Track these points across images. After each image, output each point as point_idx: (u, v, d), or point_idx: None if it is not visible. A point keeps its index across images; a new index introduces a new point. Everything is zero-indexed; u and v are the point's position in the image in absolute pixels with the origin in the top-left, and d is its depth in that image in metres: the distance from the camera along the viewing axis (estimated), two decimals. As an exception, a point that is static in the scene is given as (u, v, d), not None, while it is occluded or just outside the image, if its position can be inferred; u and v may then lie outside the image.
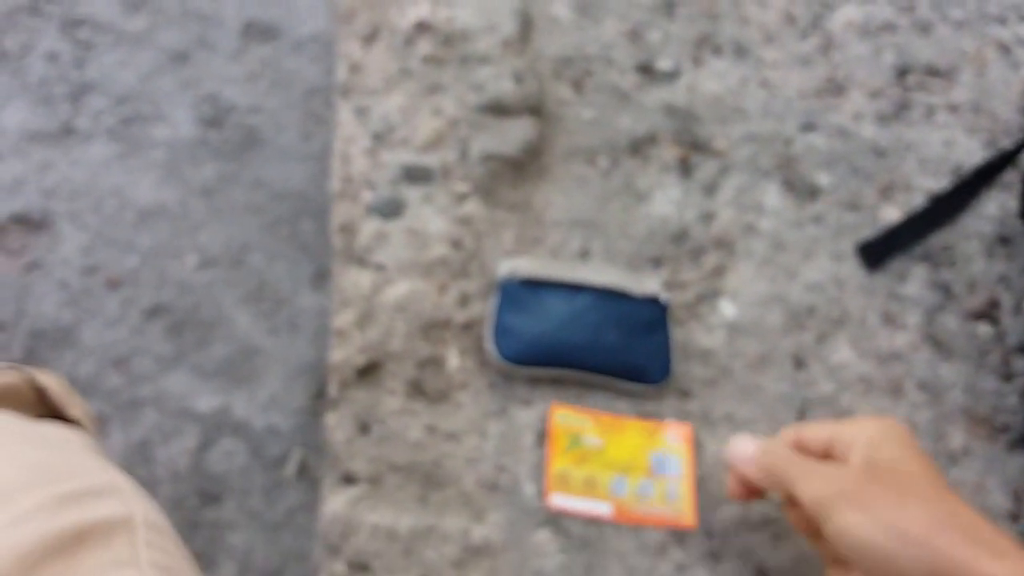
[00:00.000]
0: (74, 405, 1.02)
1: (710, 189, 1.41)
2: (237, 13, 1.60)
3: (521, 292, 1.27)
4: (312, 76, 1.52)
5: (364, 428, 1.22)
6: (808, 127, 1.47)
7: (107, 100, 1.46)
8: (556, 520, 1.20)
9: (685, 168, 1.42)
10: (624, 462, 1.24)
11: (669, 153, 1.42)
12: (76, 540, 0.68)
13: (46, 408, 1.02)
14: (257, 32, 1.57)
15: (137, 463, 1.25)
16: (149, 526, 0.75)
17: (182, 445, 1.26)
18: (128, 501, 0.76)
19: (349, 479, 1.19)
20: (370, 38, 1.45)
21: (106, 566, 0.68)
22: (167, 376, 1.30)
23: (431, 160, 1.37)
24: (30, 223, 1.35)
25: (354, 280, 1.29)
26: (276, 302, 1.34)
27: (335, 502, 1.18)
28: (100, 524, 0.71)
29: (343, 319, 1.27)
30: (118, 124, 1.45)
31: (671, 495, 1.22)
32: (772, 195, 1.41)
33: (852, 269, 1.37)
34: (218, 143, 1.46)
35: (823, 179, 1.43)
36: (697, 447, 1.26)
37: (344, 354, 1.25)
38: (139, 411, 1.28)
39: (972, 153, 1.49)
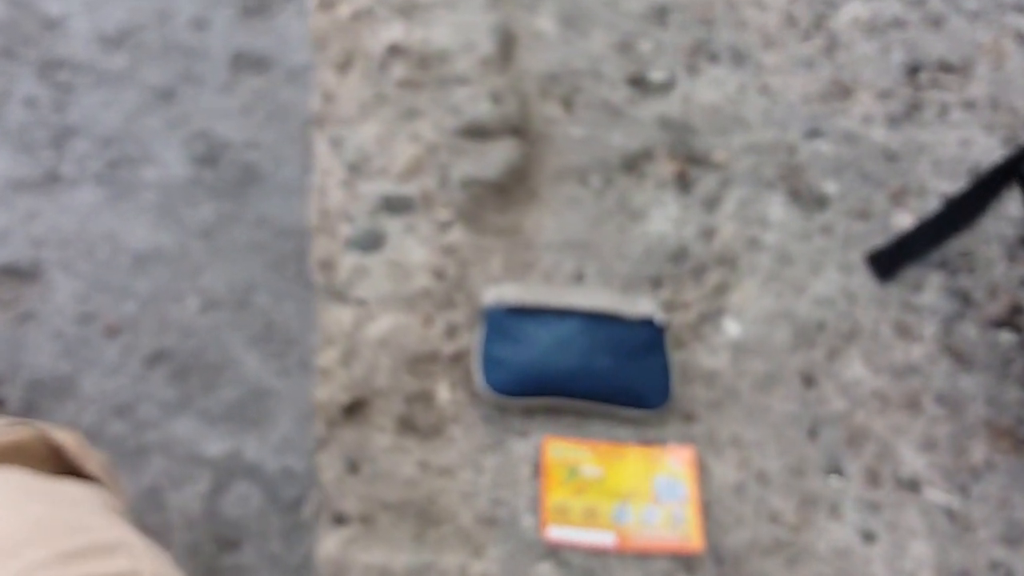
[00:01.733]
0: (90, 461, 1.04)
1: (710, 204, 1.41)
2: (224, 44, 1.63)
3: (507, 320, 1.29)
4: (310, 106, 1.54)
5: (353, 467, 1.24)
6: (813, 133, 1.47)
7: (91, 143, 1.49)
8: (557, 553, 1.21)
9: (683, 183, 1.43)
10: (626, 490, 1.24)
11: (665, 168, 1.43)
12: None
13: (62, 464, 1.04)
14: (247, 63, 1.61)
15: (149, 510, 1.27)
16: None
17: (194, 490, 1.28)
18: (136, 557, 0.78)
19: (340, 519, 1.22)
20: (344, 65, 1.49)
21: None
22: (173, 422, 1.32)
23: (410, 189, 1.40)
24: (20, 274, 1.39)
25: (336, 317, 1.32)
26: (284, 342, 1.37)
27: (327, 544, 1.21)
28: None
29: (326, 357, 1.30)
30: (105, 168, 1.48)
31: (677, 520, 1.23)
32: (776, 207, 1.41)
33: (863, 280, 1.37)
34: (214, 181, 1.49)
35: (830, 187, 1.43)
36: (703, 471, 1.27)
37: (329, 392, 1.27)
38: (146, 458, 1.30)
39: (990, 151, 1.47)
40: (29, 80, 1.52)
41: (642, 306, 1.31)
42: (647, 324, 1.30)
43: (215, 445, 1.30)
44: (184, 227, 1.42)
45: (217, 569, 1.23)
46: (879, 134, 1.48)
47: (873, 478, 1.27)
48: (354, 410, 1.27)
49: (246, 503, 1.27)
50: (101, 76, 1.54)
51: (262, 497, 1.27)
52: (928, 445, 1.29)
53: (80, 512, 0.86)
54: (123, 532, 0.83)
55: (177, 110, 1.52)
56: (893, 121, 1.49)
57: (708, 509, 1.24)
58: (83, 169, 1.45)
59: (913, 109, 1.50)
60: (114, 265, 1.39)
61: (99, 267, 1.39)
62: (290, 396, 1.32)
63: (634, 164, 1.44)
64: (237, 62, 1.58)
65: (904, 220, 1.41)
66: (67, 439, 1.01)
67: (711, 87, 1.50)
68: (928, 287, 1.37)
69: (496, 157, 1.39)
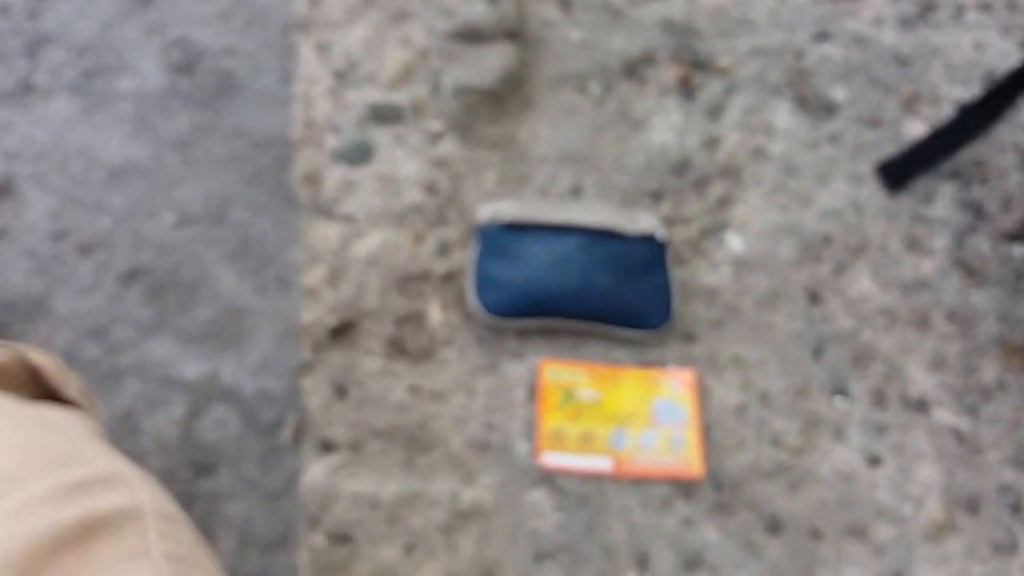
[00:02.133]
0: (69, 385, 1.01)
1: (714, 112, 1.36)
2: (202, -52, 1.56)
3: (503, 237, 1.24)
4: (290, 11, 1.48)
5: (341, 392, 1.21)
6: (821, 36, 1.41)
7: (66, 52, 1.43)
8: (552, 479, 1.18)
9: (686, 90, 1.37)
10: (623, 414, 1.21)
11: (668, 74, 1.37)
12: (87, 531, 0.68)
13: (40, 388, 1.02)
14: (225, -33, 1.54)
15: (123, 435, 1.25)
16: (159, 515, 0.75)
17: (170, 415, 1.25)
18: (136, 489, 0.76)
19: (328, 446, 1.19)
20: (332, -34, 1.42)
21: (119, 558, 0.68)
22: (149, 343, 1.29)
23: (400, 97, 1.34)
24: (-8, 190, 1.36)
25: (322, 234, 1.27)
26: (262, 259, 1.32)
27: (313, 471, 1.18)
28: (110, 515, 0.70)
29: (312, 277, 1.25)
30: (80, 77, 1.42)
31: (676, 444, 1.20)
32: (783, 114, 1.36)
33: (872, 192, 1.32)
34: (190, 91, 1.42)
35: (839, 94, 1.37)
36: (703, 393, 1.23)
37: (315, 314, 1.23)
38: (121, 381, 1.27)
39: (1007, 55, 1.42)
40: (1, -14, 1.46)
41: (643, 221, 1.26)
42: (648, 240, 1.25)
43: (191, 367, 1.27)
44: (160, 139, 1.37)
45: (193, 495, 1.21)
46: (890, 37, 1.41)
47: (879, 399, 1.24)
48: (341, 332, 1.23)
49: (223, 427, 1.24)
50: (76, -20, 1.47)
51: (239, 421, 1.24)
52: (937, 364, 1.25)
53: (71, 440, 0.84)
54: (117, 462, 0.80)
55: (154, 16, 1.45)
56: (905, 23, 1.43)
57: (708, 432, 1.21)
58: (57, 79, 1.39)
59: (926, 10, 1.44)
60: (88, 179, 1.34)
61: (73, 182, 1.34)
62: (268, 315, 1.28)
63: (635, 70, 1.38)
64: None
65: (916, 128, 1.35)
66: (45, 361, 0.99)
67: (715, -13, 1.43)
68: (939, 198, 1.32)
69: (490, 63, 1.33)
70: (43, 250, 1.30)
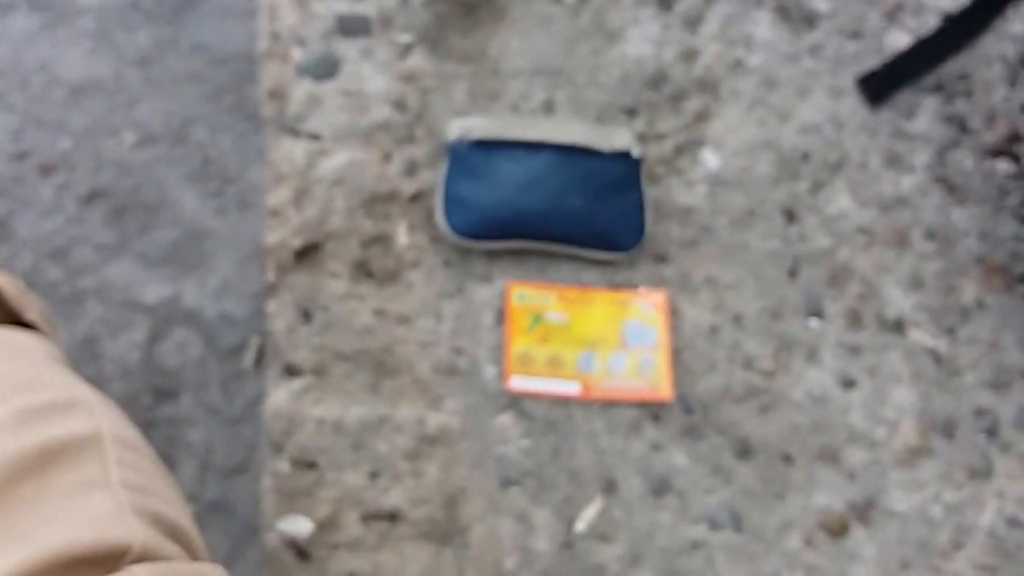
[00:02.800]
0: (30, 308, 1.00)
1: (692, 22, 1.32)
2: None
3: (473, 156, 1.22)
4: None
5: (306, 315, 1.20)
6: (805, -57, 1.36)
7: (25, -36, 1.40)
8: (519, 403, 1.18)
9: (664, 0, 1.33)
10: (592, 337, 1.21)
11: (645, -17, 1.33)
12: (44, 459, 0.68)
13: (0, 312, 1.02)
14: None
15: (84, 360, 1.25)
16: (119, 442, 0.74)
17: (131, 339, 1.25)
18: (96, 416, 0.76)
19: (292, 371, 1.19)
20: None
21: (76, 487, 0.68)
22: (110, 266, 1.28)
23: (367, 7, 1.31)
24: (-52, 109, 1.33)
25: (287, 153, 1.25)
26: (223, 180, 1.30)
27: (277, 396, 1.18)
28: (68, 442, 0.70)
29: (277, 197, 1.24)
30: (39, -9, 1.40)
31: (645, 368, 1.19)
32: (763, 25, 1.32)
33: (853, 106, 1.29)
34: (152, 5, 1.38)
35: (821, 4, 1.33)
36: (675, 315, 1.22)
37: (279, 236, 1.22)
38: (82, 305, 1.27)
39: (998, -39, 1.37)
40: None
41: (617, 139, 1.23)
42: (623, 158, 1.22)
43: (153, 290, 1.26)
44: (120, 55, 1.34)
45: (154, 421, 1.22)
46: (877, -57, 1.37)
47: (855, 320, 1.23)
48: (306, 254, 1.22)
49: (184, 351, 1.24)
50: None
51: (201, 345, 1.24)
52: (915, 284, 1.24)
53: (31, 364, 0.83)
54: (78, 386, 0.80)
55: (112, -76, 1.41)
56: (893, -73, 1.38)
57: (679, 355, 1.21)
58: (16, -7, 1.36)
59: (916, -86, 1.39)
60: (48, 98, 1.32)
61: (33, 100, 1.32)
62: (229, 237, 1.27)
63: (610, -21, 1.34)
64: None
65: (899, 40, 1.32)
66: (6, 283, 0.98)
67: None
68: (922, 113, 1.29)
69: (461, -29, 1.29)
70: (3, 171, 1.29)
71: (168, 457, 1.21)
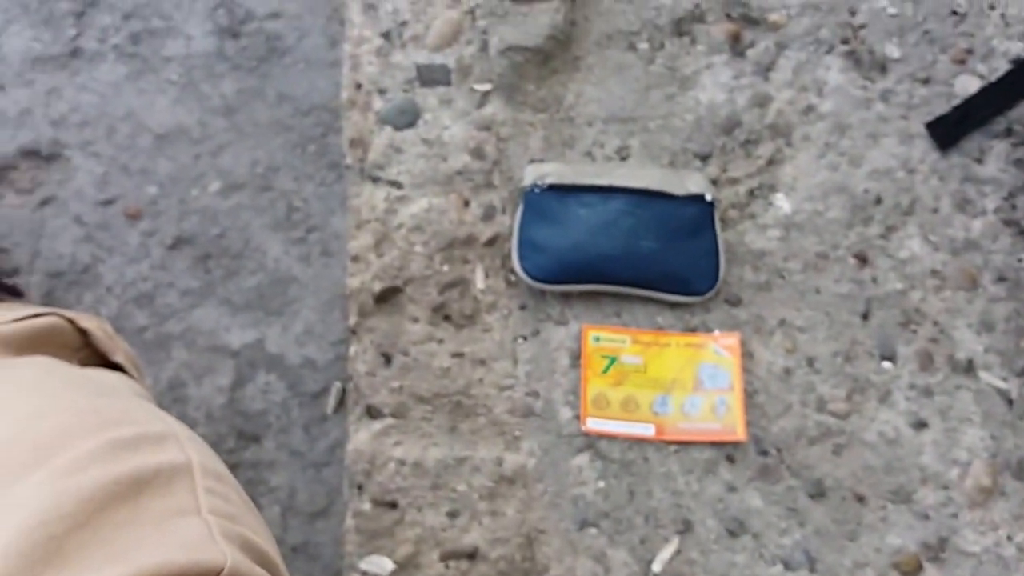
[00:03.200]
0: (118, 350, 1.05)
1: (765, 69, 1.35)
2: (247, -93, 1.56)
3: (547, 201, 1.25)
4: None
5: (387, 358, 1.24)
6: (875, -10, 1.39)
7: (114, 16, 1.45)
8: (595, 444, 1.21)
9: (736, 46, 1.36)
10: (667, 379, 1.23)
11: (718, 30, 1.37)
12: (137, 486, 0.70)
13: (90, 353, 1.04)
14: (270, -75, 1.54)
15: (169, 404, 1.29)
16: (207, 473, 0.77)
17: (216, 383, 1.30)
18: (185, 447, 0.78)
19: (373, 413, 1.22)
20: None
21: (168, 513, 0.70)
22: (195, 311, 1.33)
23: (447, 58, 1.35)
24: (40, 157, 1.37)
25: (368, 200, 1.29)
26: (307, 227, 1.34)
27: (359, 437, 1.21)
28: (159, 470, 0.73)
29: (359, 243, 1.28)
30: (127, 41, 1.44)
31: (719, 409, 1.22)
32: (835, 72, 1.35)
33: (924, 150, 1.31)
34: (236, 55, 1.44)
35: (892, 50, 1.35)
36: (748, 358, 1.25)
37: (361, 281, 1.26)
38: (168, 349, 1.32)
39: (1068, 5, 1.39)
40: (52, -51, 1.47)
41: (691, 183, 1.27)
42: (696, 202, 1.26)
43: (237, 335, 1.30)
44: (205, 104, 1.40)
45: (238, 464, 1.26)
46: (947, -11, 1.39)
47: (927, 362, 1.24)
48: (386, 299, 1.26)
49: (267, 395, 1.28)
50: (124, -56, 1.48)
51: (284, 389, 1.28)
52: (986, 326, 1.25)
53: (122, 401, 0.87)
54: (168, 422, 0.83)
55: (200, -22, 1.46)
56: (963, -27, 1.40)
57: (753, 397, 1.23)
58: (105, 43, 1.42)
59: (986, -40, 1.41)
60: (135, 146, 1.37)
61: (120, 148, 1.37)
62: (312, 284, 1.32)
63: (685, 26, 1.37)
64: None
65: (969, 85, 1.34)
66: (93, 326, 1.02)
67: (766, -61, 1.41)
68: (992, 157, 1.31)
69: (538, 21, 1.33)
70: (91, 218, 1.34)
71: (252, 500, 1.24)
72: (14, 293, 1.20)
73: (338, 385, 1.27)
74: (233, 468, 1.26)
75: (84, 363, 1.00)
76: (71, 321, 1.00)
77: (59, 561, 0.64)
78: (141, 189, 1.35)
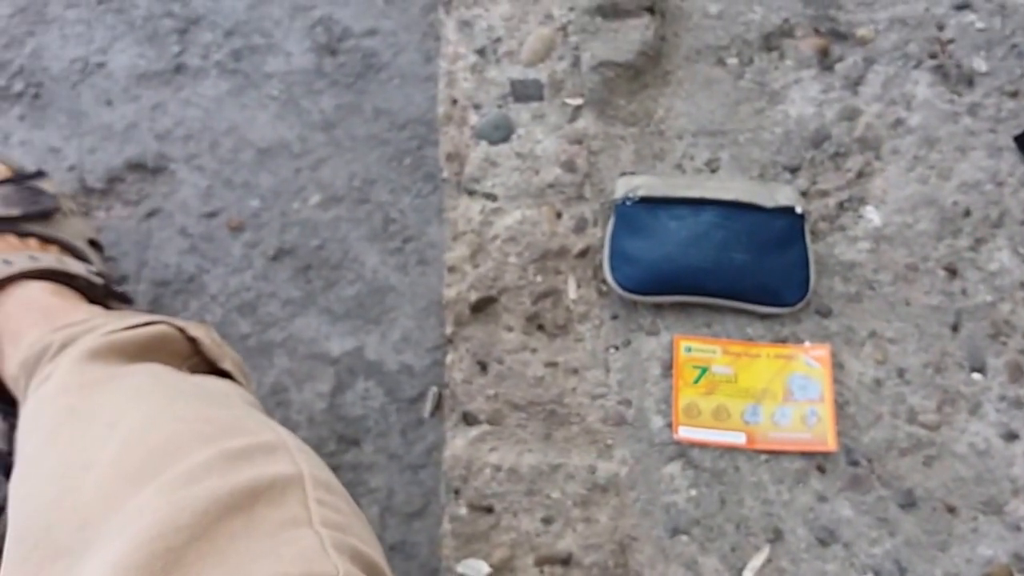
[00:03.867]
0: (226, 358, 1.07)
1: (853, 83, 1.35)
2: (345, -72, 1.59)
3: (638, 213, 1.26)
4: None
5: (482, 367, 1.25)
6: (963, 5, 1.38)
7: (216, 33, 1.49)
8: (686, 453, 1.21)
9: (825, 61, 1.36)
10: (758, 389, 1.23)
11: (806, 45, 1.37)
12: (251, 497, 0.72)
13: (200, 360, 1.07)
14: (367, -54, 1.57)
15: (272, 408, 1.31)
16: (318, 483, 0.78)
17: (316, 389, 1.32)
18: (296, 458, 0.80)
19: (469, 419, 1.23)
20: (473, -56, 1.44)
21: (281, 524, 0.72)
22: (296, 320, 1.35)
23: (540, 73, 1.37)
24: (146, 170, 1.40)
25: (464, 212, 1.31)
26: (403, 238, 1.37)
27: (456, 443, 1.23)
28: (273, 482, 0.74)
29: (455, 254, 1.30)
30: (229, 58, 1.48)
31: (810, 420, 1.22)
32: (923, 86, 1.34)
33: (1012, 163, 1.30)
34: (334, 71, 1.47)
35: (980, 64, 1.35)
36: (838, 369, 1.24)
37: (457, 291, 1.27)
38: (270, 356, 1.34)
39: None
40: (155, -32, 1.51)
41: (781, 195, 1.27)
42: (787, 214, 1.26)
43: (337, 343, 1.33)
44: (305, 119, 1.42)
45: (338, 466, 1.28)
46: (1037, 3, 1.38)
47: (1018, 374, 1.23)
48: (481, 308, 1.27)
49: (366, 401, 1.30)
50: (226, -37, 1.52)
51: (382, 395, 1.30)
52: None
53: (231, 409, 0.89)
54: (277, 430, 0.85)
55: (300, -3, 1.50)
56: (1053, -13, 1.39)
57: (844, 408, 1.23)
58: (207, 60, 1.45)
59: (1076, -28, 1.40)
60: (237, 160, 1.40)
61: (223, 162, 1.40)
62: (409, 293, 1.34)
63: (773, 41, 1.38)
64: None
65: (1061, 97, 1.33)
66: (202, 334, 1.04)
67: (855, -45, 1.41)
68: (1084, 170, 1.30)
69: (629, 37, 1.34)
70: (195, 229, 1.37)
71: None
72: (124, 300, 1.22)
73: (434, 390, 1.28)
74: (334, 471, 1.28)
75: (193, 370, 1.02)
76: (181, 329, 1.02)
77: (178, 573, 0.65)
78: (243, 202, 1.37)
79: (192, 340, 1.03)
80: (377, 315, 1.33)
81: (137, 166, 1.39)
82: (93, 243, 1.29)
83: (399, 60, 1.45)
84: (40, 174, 1.27)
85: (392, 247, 1.36)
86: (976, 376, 1.24)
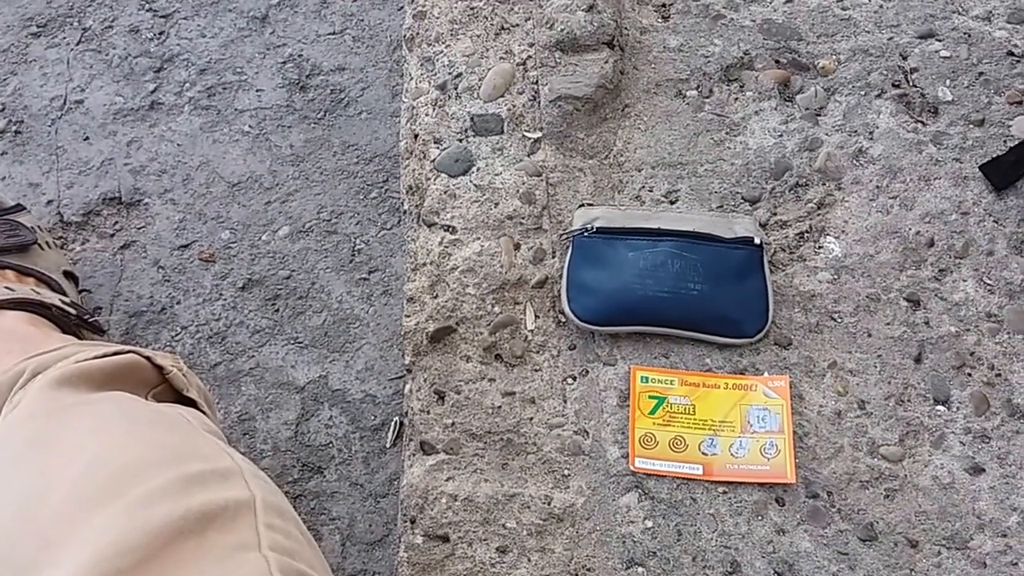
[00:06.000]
0: (191, 386, 1.05)
1: (814, 113, 1.29)
2: (317, -35, 1.56)
3: (595, 244, 1.20)
4: (398, 27, 1.47)
5: (440, 396, 1.19)
6: (927, 34, 1.32)
7: (190, 71, 1.46)
8: (642, 483, 1.15)
9: (786, 92, 1.30)
10: (716, 421, 1.17)
11: (768, 76, 1.31)
12: (203, 521, 0.70)
13: (165, 388, 1.04)
14: (339, -17, 1.54)
15: (239, 437, 1.27)
16: (269, 508, 0.77)
17: (282, 417, 1.28)
18: (249, 484, 0.78)
19: (426, 449, 1.18)
20: (438, -20, 1.40)
21: (232, 548, 0.70)
22: (264, 349, 1.31)
23: (500, 108, 1.31)
24: (121, 203, 1.37)
25: (424, 243, 1.26)
26: (369, 268, 1.33)
27: (413, 473, 1.17)
28: (224, 506, 0.73)
29: (415, 285, 1.24)
30: (202, 95, 1.45)
31: (769, 451, 1.15)
32: (885, 115, 1.28)
33: (978, 193, 1.23)
34: (304, 107, 1.44)
35: (946, 93, 1.28)
36: (798, 400, 1.17)
37: (416, 321, 1.22)
38: (238, 385, 1.30)
39: None
40: (132, 9, 1.49)
41: (740, 226, 1.20)
42: (745, 245, 1.19)
43: (303, 372, 1.29)
44: (275, 154, 1.40)
45: (301, 494, 1.24)
46: (1000, 32, 1.31)
47: (983, 406, 1.16)
48: (440, 338, 1.22)
49: (331, 429, 1.26)
50: (200, 3, 1.50)
51: (346, 423, 1.26)
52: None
53: (190, 436, 0.87)
54: (233, 456, 0.83)
55: (271, 35, 1.47)
56: (1017, 16, 1.32)
57: (803, 440, 1.16)
58: (182, 97, 1.43)
59: (1041, 2, 1.34)
60: (209, 193, 1.37)
61: (195, 195, 1.37)
62: (373, 323, 1.31)
63: (734, 73, 1.31)
64: (329, -19, 1.51)
65: (1027, 126, 1.26)
66: (168, 363, 1.02)
67: (818, -13, 1.36)
68: (1050, 198, 1.23)
69: (589, 71, 1.28)
70: (168, 261, 1.33)
71: (313, 529, 1.22)
72: (97, 330, 1.21)
73: (396, 420, 1.25)
74: (297, 498, 1.25)
75: (159, 398, 1.00)
76: (148, 358, 1.00)
77: None
78: (215, 234, 1.34)
79: (159, 369, 1.01)
80: (342, 344, 1.29)
81: (113, 200, 1.36)
82: (68, 275, 1.28)
83: (367, 96, 1.41)
84: (19, 208, 1.26)
85: (358, 277, 1.32)
86: (940, 408, 1.17)
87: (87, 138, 1.40)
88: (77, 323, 1.18)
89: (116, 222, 1.36)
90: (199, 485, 0.73)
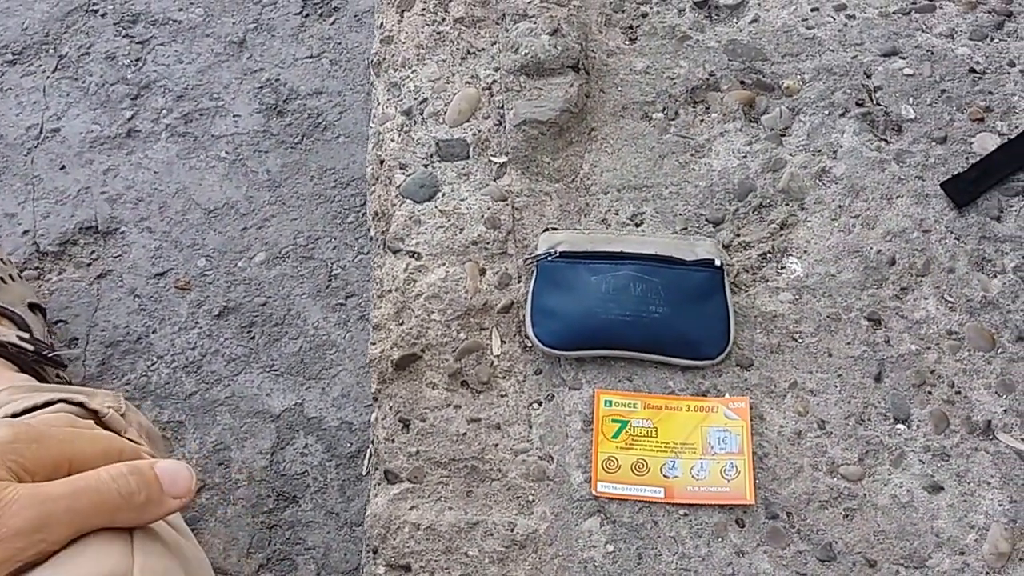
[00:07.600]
0: (130, 428, 1.03)
1: (779, 134, 1.29)
2: (295, -11, 1.57)
3: (559, 269, 1.21)
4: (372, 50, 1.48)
5: (405, 424, 1.21)
6: (891, 52, 1.31)
7: (167, 97, 1.47)
8: (604, 508, 1.16)
9: (751, 113, 1.30)
10: (677, 443, 1.18)
11: (732, 97, 1.31)
12: None
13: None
14: (316, 8, 1.53)
15: (214, 468, 1.28)
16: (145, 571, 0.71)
17: (257, 446, 1.29)
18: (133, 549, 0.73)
19: (391, 477, 1.19)
20: (405, 4, 1.40)
21: None
22: (239, 377, 1.32)
23: (465, 133, 1.32)
24: (97, 232, 1.38)
25: (389, 270, 1.27)
26: (346, 293, 1.34)
27: (377, 502, 1.18)
28: None
29: (380, 312, 1.25)
30: (179, 121, 1.46)
31: (729, 472, 1.16)
32: (849, 134, 1.28)
33: (940, 210, 1.23)
34: (281, 132, 1.45)
35: (909, 110, 1.28)
36: (758, 420, 1.18)
37: (381, 348, 1.23)
38: (213, 414, 1.31)
39: (1089, 61, 1.29)
40: (108, 36, 1.51)
41: (701, 248, 1.21)
42: (706, 268, 1.19)
43: (278, 400, 1.30)
44: (252, 179, 1.40)
45: (277, 523, 1.25)
46: (963, 49, 1.31)
47: (942, 424, 1.16)
48: (405, 366, 1.23)
49: (306, 458, 1.27)
50: (176, 29, 1.51)
51: (322, 451, 1.27)
52: (1005, 387, 1.16)
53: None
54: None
55: (248, 60, 1.48)
56: (980, 32, 1.32)
57: (764, 460, 1.16)
58: (158, 124, 1.44)
59: (1004, 18, 1.32)
60: (185, 221, 1.38)
61: (172, 223, 1.38)
62: (349, 349, 1.31)
63: (699, 95, 1.32)
64: (306, 7, 1.52)
65: (988, 142, 1.25)
66: (108, 404, 1.01)
67: (784, 6, 1.35)
68: (1011, 215, 1.22)
69: (554, 95, 1.29)
70: (144, 290, 1.35)
71: (288, 559, 1.24)
72: (58, 365, 1.20)
73: (371, 447, 1.26)
74: (272, 528, 1.26)
75: None
76: (82, 404, 0.98)
77: None
78: (191, 262, 1.35)
79: (94, 413, 1.00)
80: (318, 371, 1.30)
81: (89, 229, 1.37)
82: (35, 306, 1.27)
83: (344, 119, 1.42)
84: None
85: (335, 303, 1.33)
86: (900, 427, 1.17)
87: (63, 167, 1.42)
88: (36, 359, 1.16)
89: (93, 251, 1.37)
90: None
